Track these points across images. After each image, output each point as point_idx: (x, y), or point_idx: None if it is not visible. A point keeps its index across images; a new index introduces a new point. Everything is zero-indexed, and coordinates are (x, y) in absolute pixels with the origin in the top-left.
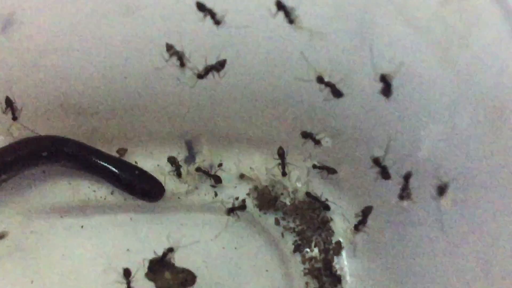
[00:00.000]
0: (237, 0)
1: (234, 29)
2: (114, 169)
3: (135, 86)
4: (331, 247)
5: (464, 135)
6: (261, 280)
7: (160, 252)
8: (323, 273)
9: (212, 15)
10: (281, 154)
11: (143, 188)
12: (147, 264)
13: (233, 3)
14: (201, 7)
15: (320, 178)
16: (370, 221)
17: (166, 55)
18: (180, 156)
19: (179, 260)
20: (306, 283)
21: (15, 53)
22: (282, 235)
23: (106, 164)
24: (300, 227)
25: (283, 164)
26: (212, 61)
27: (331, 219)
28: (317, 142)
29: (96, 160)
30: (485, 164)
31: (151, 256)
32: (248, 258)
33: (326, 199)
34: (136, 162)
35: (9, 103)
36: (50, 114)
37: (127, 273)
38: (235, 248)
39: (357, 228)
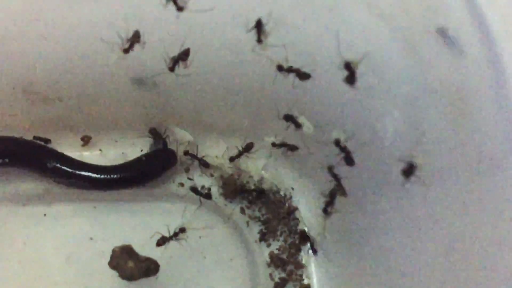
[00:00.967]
0: None
1: (197, 14)
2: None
3: (99, 74)
4: (296, 236)
5: (428, 123)
6: (225, 269)
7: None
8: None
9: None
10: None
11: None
12: (110, 253)
13: None
14: None
15: (283, 157)
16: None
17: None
18: (146, 144)
19: (142, 249)
20: (270, 274)
21: None
22: (248, 224)
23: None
24: (265, 216)
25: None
26: (174, 48)
27: (297, 208)
28: (299, 126)
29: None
30: (447, 153)
31: (114, 245)
32: (212, 247)
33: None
34: (100, 150)
35: None
36: (14, 103)
37: None
38: (200, 237)
39: (325, 211)
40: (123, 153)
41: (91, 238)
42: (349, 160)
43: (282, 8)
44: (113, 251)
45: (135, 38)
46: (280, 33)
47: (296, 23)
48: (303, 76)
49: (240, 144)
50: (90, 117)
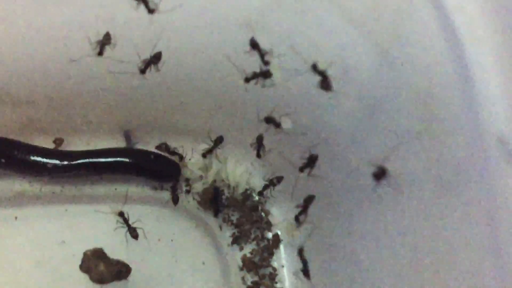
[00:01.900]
0: None
1: (167, 14)
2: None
3: (72, 76)
4: (269, 240)
5: (397, 127)
6: (197, 273)
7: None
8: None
9: (145, 2)
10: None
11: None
12: (81, 256)
13: None
14: None
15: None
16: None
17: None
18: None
19: (114, 252)
20: (243, 278)
21: None
22: (220, 227)
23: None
24: (238, 220)
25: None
26: (145, 50)
27: (270, 212)
28: (278, 126)
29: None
30: (415, 157)
31: (85, 248)
32: (184, 250)
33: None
34: None
35: None
36: None
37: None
38: (172, 240)
39: (297, 219)
40: None
41: (62, 241)
42: (326, 85)
43: (255, 11)
44: (84, 254)
45: (106, 40)
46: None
47: (268, 26)
48: (266, 75)
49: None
50: (62, 119)
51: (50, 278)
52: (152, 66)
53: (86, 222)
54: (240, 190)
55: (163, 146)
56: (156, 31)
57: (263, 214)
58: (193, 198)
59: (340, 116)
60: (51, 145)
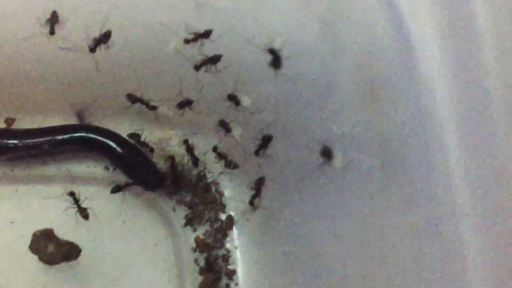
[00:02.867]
0: None
1: None
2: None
3: (22, 55)
4: (223, 222)
5: (343, 107)
6: (149, 254)
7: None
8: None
9: None
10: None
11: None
12: (31, 237)
13: None
14: None
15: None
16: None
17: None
18: None
19: (64, 233)
20: (196, 259)
21: None
22: (174, 209)
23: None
24: (192, 201)
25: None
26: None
27: (224, 194)
28: (238, 103)
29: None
30: (362, 132)
31: (35, 228)
32: (136, 232)
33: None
34: None
35: None
36: None
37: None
38: (123, 221)
39: (252, 203)
40: None
41: (12, 222)
42: (276, 63)
43: None
44: (34, 235)
45: (54, 18)
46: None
47: (219, 7)
48: (215, 59)
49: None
50: (13, 99)
51: None
52: (102, 44)
53: (36, 203)
54: (196, 171)
55: (136, 135)
56: (105, 9)
57: (217, 195)
58: None
59: (288, 94)
60: (2, 125)
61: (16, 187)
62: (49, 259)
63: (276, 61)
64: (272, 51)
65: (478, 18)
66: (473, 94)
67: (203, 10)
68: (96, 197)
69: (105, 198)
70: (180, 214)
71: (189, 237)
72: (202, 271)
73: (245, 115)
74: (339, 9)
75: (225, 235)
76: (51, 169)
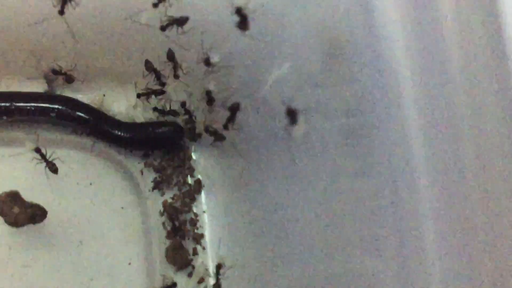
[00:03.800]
0: None
1: None
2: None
3: None
4: (191, 185)
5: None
6: (115, 217)
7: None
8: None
9: None
10: None
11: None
12: None
13: None
14: None
15: None
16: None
17: None
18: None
19: (30, 195)
20: (163, 223)
21: None
22: (142, 172)
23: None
24: (160, 165)
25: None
26: None
27: (192, 157)
28: (209, 64)
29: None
30: (324, 100)
31: (0, 190)
32: (103, 194)
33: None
34: None
35: None
36: None
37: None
38: (90, 184)
39: (226, 127)
40: None
41: None
42: (244, 25)
43: None
44: None
45: None
46: None
47: None
48: (181, 21)
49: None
50: None
51: None
52: (69, 4)
53: (1, 165)
54: None
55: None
56: None
57: (185, 159)
58: None
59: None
60: None
61: None
62: (14, 221)
63: (243, 22)
64: (239, 11)
65: None
66: (432, 57)
67: None
68: (64, 160)
69: (72, 161)
70: (148, 178)
71: (157, 200)
72: (169, 235)
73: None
74: None
75: (193, 199)
76: (17, 132)
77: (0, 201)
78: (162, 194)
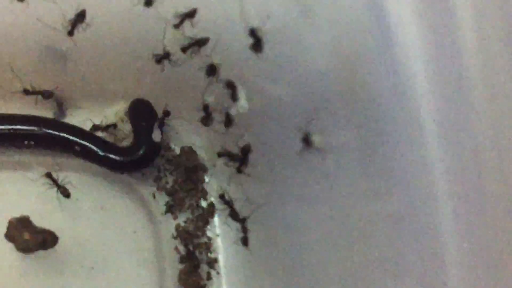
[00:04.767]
0: None
1: None
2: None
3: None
4: (204, 209)
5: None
6: (128, 242)
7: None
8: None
9: None
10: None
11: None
12: (6, 224)
13: None
14: None
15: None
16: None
17: None
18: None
19: (40, 220)
20: (176, 248)
21: None
22: (154, 196)
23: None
24: (172, 188)
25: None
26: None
27: (205, 180)
28: (236, 99)
29: None
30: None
31: (11, 215)
32: (115, 219)
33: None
34: None
35: None
36: None
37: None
38: (102, 208)
39: (239, 170)
40: None
41: None
42: (257, 47)
43: None
44: (9, 222)
45: (79, 17)
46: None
47: None
48: (202, 42)
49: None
50: None
51: None
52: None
53: (12, 190)
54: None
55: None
56: None
57: (198, 182)
58: None
59: (267, 80)
60: None
61: None
62: (25, 247)
63: (257, 44)
64: (253, 33)
65: None
66: (453, 77)
67: None
68: (74, 184)
69: (83, 185)
70: (160, 201)
71: (170, 224)
72: (182, 259)
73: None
74: None
75: (207, 223)
76: (28, 156)
77: (10, 227)
78: (175, 218)
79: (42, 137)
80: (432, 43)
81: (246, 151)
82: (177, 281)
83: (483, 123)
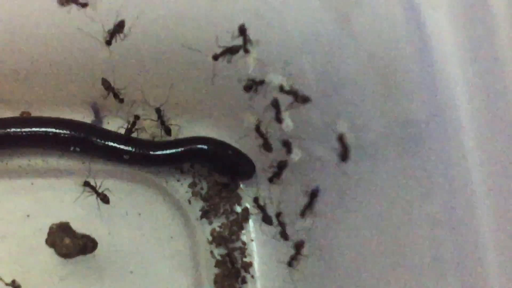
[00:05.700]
0: None
1: None
2: None
3: (37, 47)
4: (239, 214)
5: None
6: (165, 247)
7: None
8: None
9: None
10: None
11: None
12: (47, 230)
13: None
14: None
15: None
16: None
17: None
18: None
19: (80, 226)
20: (211, 252)
21: None
22: (189, 201)
23: None
24: (207, 194)
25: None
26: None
27: (240, 185)
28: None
29: None
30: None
31: (51, 222)
32: (152, 224)
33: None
34: None
35: None
36: None
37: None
38: (139, 214)
39: (271, 180)
40: None
41: (28, 215)
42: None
43: None
44: (50, 228)
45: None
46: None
47: None
48: (234, 50)
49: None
50: (29, 92)
51: (15, 253)
52: (118, 35)
53: (52, 196)
54: None
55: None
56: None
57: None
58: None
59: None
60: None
61: (32, 180)
62: (65, 253)
63: (345, 152)
64: (341, 140)
65: (493, 5)
66: (490, 84)
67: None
68: (112, 191)
69: (121, 191)
70: (195, 207)
71: (205, 229)
72: (218, 264)
73: None
74: None
75: (241, 228)
76: (67, 162)
77: (51, 233)
78: (210, 223)
79: (88, 144)
80: (469, 51)
81: (282, 166)
82: (213, 285)
83: None
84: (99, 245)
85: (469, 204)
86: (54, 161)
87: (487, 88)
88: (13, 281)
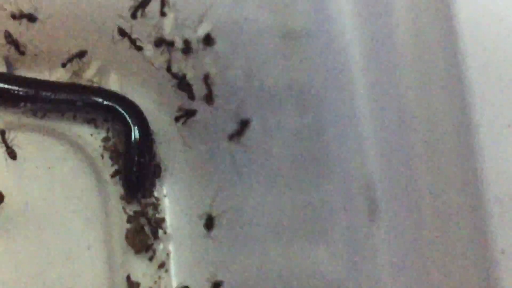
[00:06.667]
0: None
1: None
2: None
3: None
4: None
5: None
6: (75, 201)
7: None
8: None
9: None
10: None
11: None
12: None
13: None
14: None
15: None
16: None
17: None
18: None
19: None
20: (124, 207)
21: None
22: (102, 156)
23: None
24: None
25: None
26: None
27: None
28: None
29: None
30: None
31: None
32: (62, 178)
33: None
34: None
35: None
36: None
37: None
38: (49, 167)
39: (231, 138)
40: None
41: None
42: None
43: None
44: None
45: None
46: None
47: None
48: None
49: None
50: None
51: None
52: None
53: None
54: None
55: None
56: None
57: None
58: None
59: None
60: None
61: None
62: None
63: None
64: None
65: None
66: (384, 49)
67: None
68: (24, 144)
69: (32, 144)
70: (108, 162)
71: (118, 185)
72: (130, 219)
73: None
74: None
75: (153, 184)
76: None
77: None
78: None
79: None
80: (366, 13)
81: (245, 123)
82: (124, 240)
83: (412, 93)
84: (6, 199)
85: (364, 183)
86: None
87: (381, 54)
88: None
